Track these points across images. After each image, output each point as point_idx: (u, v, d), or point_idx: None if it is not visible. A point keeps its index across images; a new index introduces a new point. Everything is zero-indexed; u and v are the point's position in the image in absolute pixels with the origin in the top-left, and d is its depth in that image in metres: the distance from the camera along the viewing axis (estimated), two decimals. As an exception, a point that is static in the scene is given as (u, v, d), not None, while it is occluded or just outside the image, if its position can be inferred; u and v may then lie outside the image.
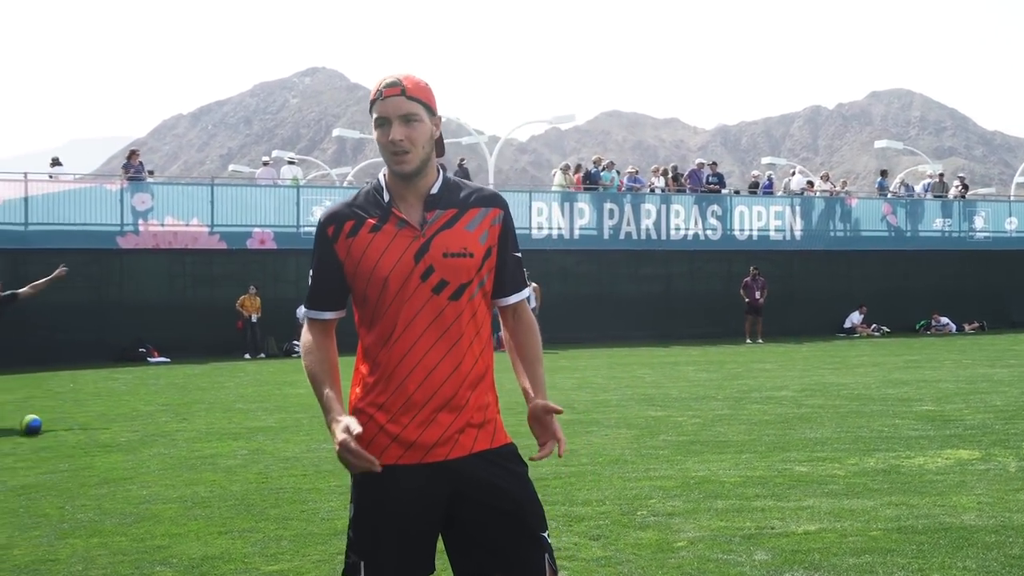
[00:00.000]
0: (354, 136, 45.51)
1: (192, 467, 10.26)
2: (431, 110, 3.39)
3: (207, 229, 26.35)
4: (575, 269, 31.04)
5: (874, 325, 32.11)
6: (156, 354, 24.90)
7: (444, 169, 3.56)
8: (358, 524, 3.36)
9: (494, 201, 3.48)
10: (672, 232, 31.03)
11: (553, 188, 30.85)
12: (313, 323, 3.50)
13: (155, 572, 6.49)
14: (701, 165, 33.12)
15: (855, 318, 31.99)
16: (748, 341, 28.90)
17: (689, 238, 31.31)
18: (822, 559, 6.16)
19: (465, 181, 3.55)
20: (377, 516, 3.33)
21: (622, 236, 30.47)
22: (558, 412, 3.46)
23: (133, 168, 26.76)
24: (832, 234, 33.36)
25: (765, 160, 50.63)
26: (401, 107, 3.31)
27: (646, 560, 6.29)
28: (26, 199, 24.61)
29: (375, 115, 3.35)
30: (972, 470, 8.97)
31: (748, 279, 29.63)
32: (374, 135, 3.38)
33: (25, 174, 25.12)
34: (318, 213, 26.80)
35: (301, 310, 2.99)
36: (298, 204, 27.46)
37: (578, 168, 31.76)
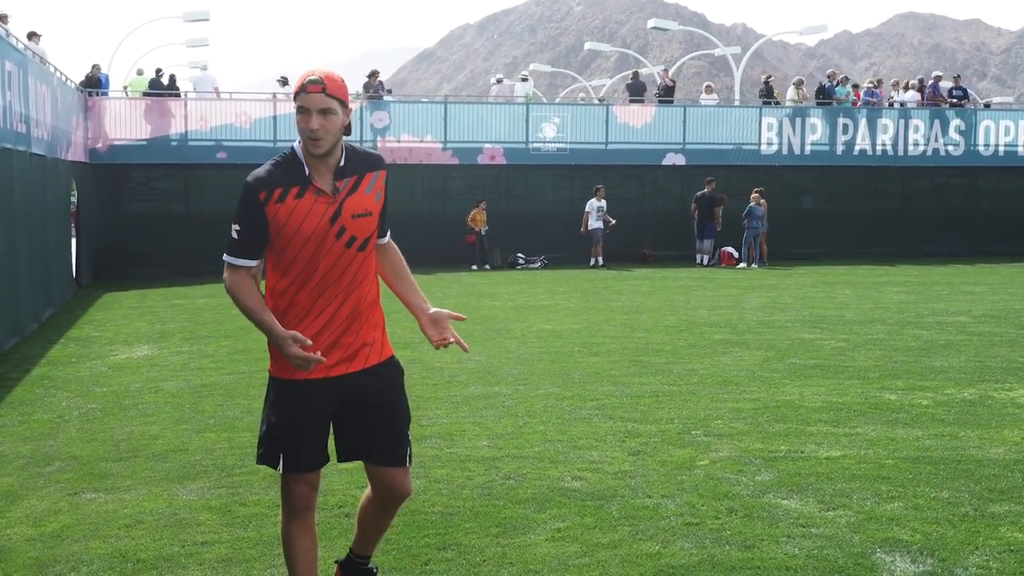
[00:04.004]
0: (605, 49, 46.08)
1: (347, 373, 11.43)
2: (344, 103, 4.20)
3: (440, 145, 27.73)
4: (808, 185, 30.84)
5: None
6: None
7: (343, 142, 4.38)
8: (279, 425, 4.35)
9: (379, 163, 4.38)
10: (911, 148, 30.27)
11: (787, 103, 30.57)
12: (237, 269, 4.29)
13: (253, 464, 7.61)
14: (939, 78, 31.94)
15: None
16: None
17: (929, 154, 30.46)
18: (814, 483, 6.67)
19: (354, 147, 4.37)
20: (294, 419, 4.33)
21: (856, 152, 29.98)
22: (461, 319, 4.49)
23: (373, 88, 28.33)
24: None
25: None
26: (321, 102, 4.10)
27: (659, 476, 6.96)
28: (275, 117, 26.64)
29: (298, 104, 4.14)
30: (1061, 405, 9.07)
31: None
32: (296, 119, 4.17)
33: (274, 95, 27.19)
34: (547, 130, 27.85)
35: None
36: (527, 120, 28.40)
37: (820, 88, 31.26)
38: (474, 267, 27.01)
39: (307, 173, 4.19)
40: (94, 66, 28.23)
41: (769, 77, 33.60)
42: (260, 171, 4.25)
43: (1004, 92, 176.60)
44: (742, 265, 27.21)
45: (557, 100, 51.36)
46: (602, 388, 10.18)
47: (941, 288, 20.62)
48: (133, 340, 14.87)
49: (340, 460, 4.50)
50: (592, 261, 27.40)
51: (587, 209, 27.58)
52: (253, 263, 4.30)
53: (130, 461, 7.87)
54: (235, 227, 4.25)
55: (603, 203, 27.57)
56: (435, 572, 5.33)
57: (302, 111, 4.12)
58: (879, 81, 33.08)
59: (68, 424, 9.39)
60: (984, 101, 38.05)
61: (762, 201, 27.45)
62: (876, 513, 6.01)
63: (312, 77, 4.13)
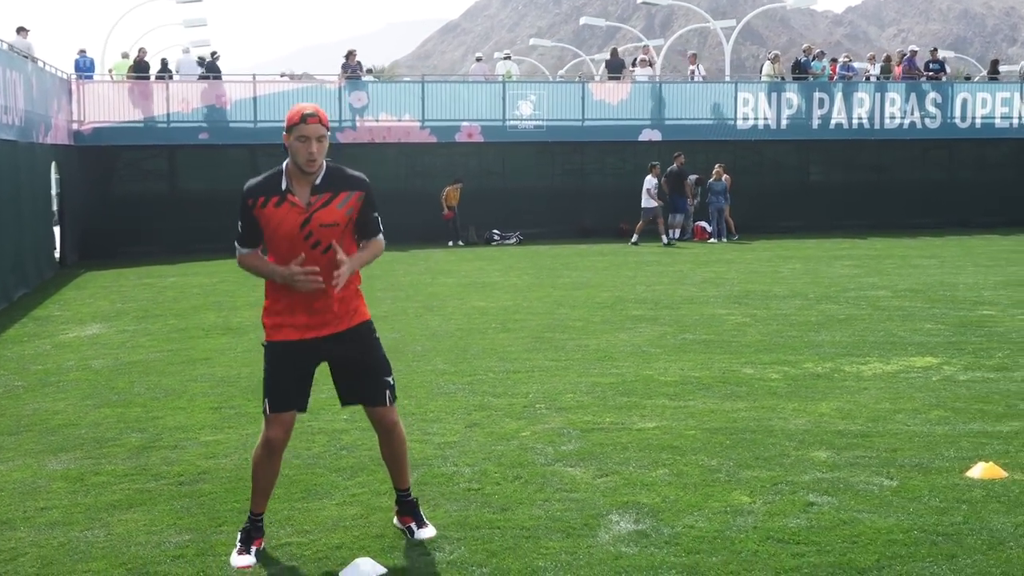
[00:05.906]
0: (601, 24, 46.56)
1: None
2: (327, 129, 5.36)
3: (418, 124, 28.40)
4: (785, 159, 31.33)
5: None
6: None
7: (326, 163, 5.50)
8: (266, 377, 5.59)
9: (360, 185, 5.46)
10: (887, 121, 30.73)
11: (762, 79, 31.05)
12: (244, 253, 5.57)
13: (128, 438, 8.34)
14: (914, 53, 32.30)
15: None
16: None
17: (905, 127, 30.91)
18: (608, 452, 7.34)
19: (345, 169, 5.50)
20: (273, 372, 5.58)
21: (832, 126, 30.46)
22: (339, 266, 5.37)
23: (351, 68, 28.98)
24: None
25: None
26: (318, 131, 5.27)
27: (477, 446, 7.64)
28: (255, 99, 27.40)
29: (298, 133, 5.23)
30: (899, 378, 9.68)
31: None
32: (294, 147, 5.25)
33: (254, 76, 27.93)
34: (524, 108, 28.43)
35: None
36: (504, 99, 29.02)
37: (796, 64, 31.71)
38: (450, 243, 27.70)
39: (284, 187, 5.36)
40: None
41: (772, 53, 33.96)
42: (252, 182, 5.47)
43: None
44: (712, 240, 27.78)
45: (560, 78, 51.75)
46: (487, 364, 10.85)
47: (892, 262, 21.14)
48: (88, 319, 15.64)
49: (343, 405, 5.89)
50: (634, 238, 26.96)
51: (646, 186, 26.89)
52: (255, 249, 5.57)
53: (23, 435, 8.61)
54: (239, 223, 5.49)
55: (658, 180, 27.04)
56: (225, 532, 6.04)
57: (303, 140, 5.23)
58: (887, 57, 33.30)
59: (-12, 401, 10.14)
60: (984, 73, 38.09)
61: (724, 176, 28.03)
62: (637, 479, 6.67)
63: (308, 111, 5.25)
